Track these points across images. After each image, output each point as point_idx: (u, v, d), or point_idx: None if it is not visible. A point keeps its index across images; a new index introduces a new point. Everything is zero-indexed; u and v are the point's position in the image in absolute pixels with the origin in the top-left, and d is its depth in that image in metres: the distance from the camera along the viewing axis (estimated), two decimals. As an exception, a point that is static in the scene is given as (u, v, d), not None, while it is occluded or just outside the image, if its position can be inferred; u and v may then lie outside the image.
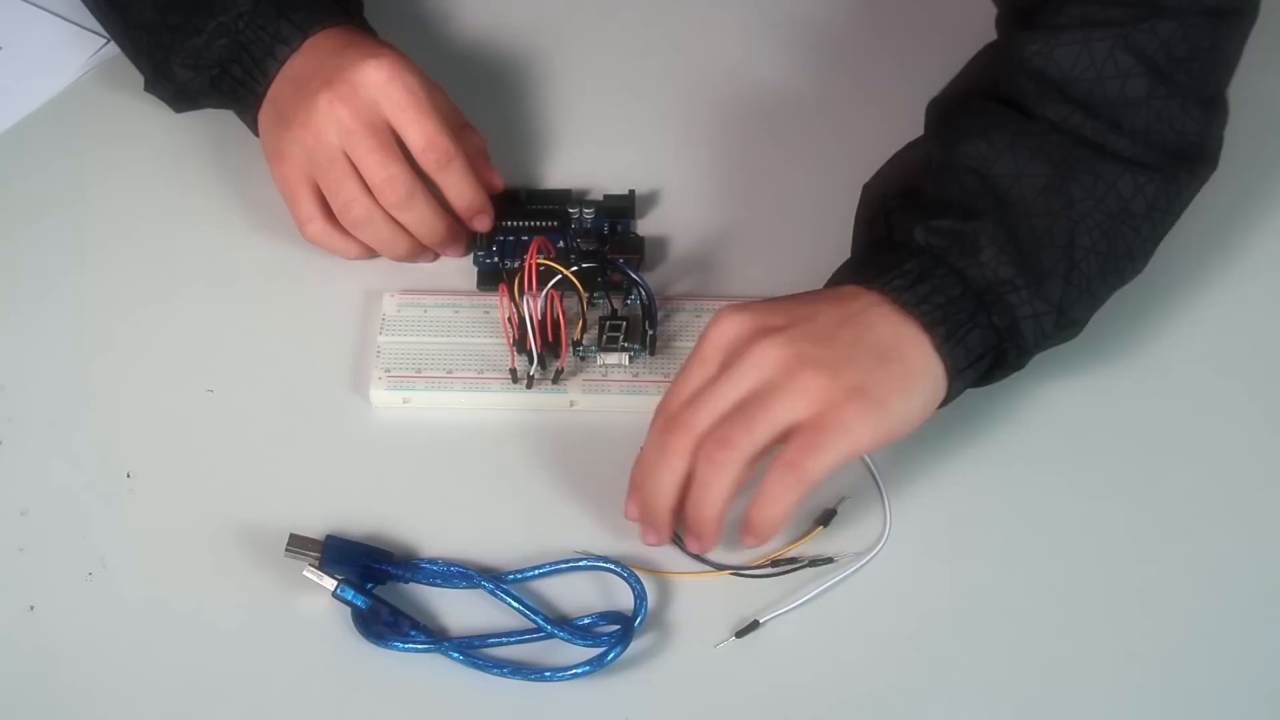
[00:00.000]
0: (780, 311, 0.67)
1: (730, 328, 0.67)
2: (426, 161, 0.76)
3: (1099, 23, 0.70)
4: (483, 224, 0.80)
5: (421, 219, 0.77)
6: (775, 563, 0.69)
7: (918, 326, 0.67)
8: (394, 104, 0.75)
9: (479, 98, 0.86)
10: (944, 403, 0.69)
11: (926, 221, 0.69)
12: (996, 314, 0.68)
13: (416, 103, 0.76)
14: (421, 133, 0.76)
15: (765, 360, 0.65)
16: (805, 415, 0.64)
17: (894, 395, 0.66)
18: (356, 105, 0.75)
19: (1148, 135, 0.70)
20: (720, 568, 0.69)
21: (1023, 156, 0.69)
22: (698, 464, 0.65)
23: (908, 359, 0.67)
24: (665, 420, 0.66)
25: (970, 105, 0.73)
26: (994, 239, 0.68)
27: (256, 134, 0.80)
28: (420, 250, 0.79)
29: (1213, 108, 0.73)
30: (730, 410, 0.65)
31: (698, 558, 0.69)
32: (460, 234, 0.80)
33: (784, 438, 0.65)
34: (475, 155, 0.79)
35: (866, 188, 0.75)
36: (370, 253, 0.79)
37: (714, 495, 0.65)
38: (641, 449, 0.68)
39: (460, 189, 0.78)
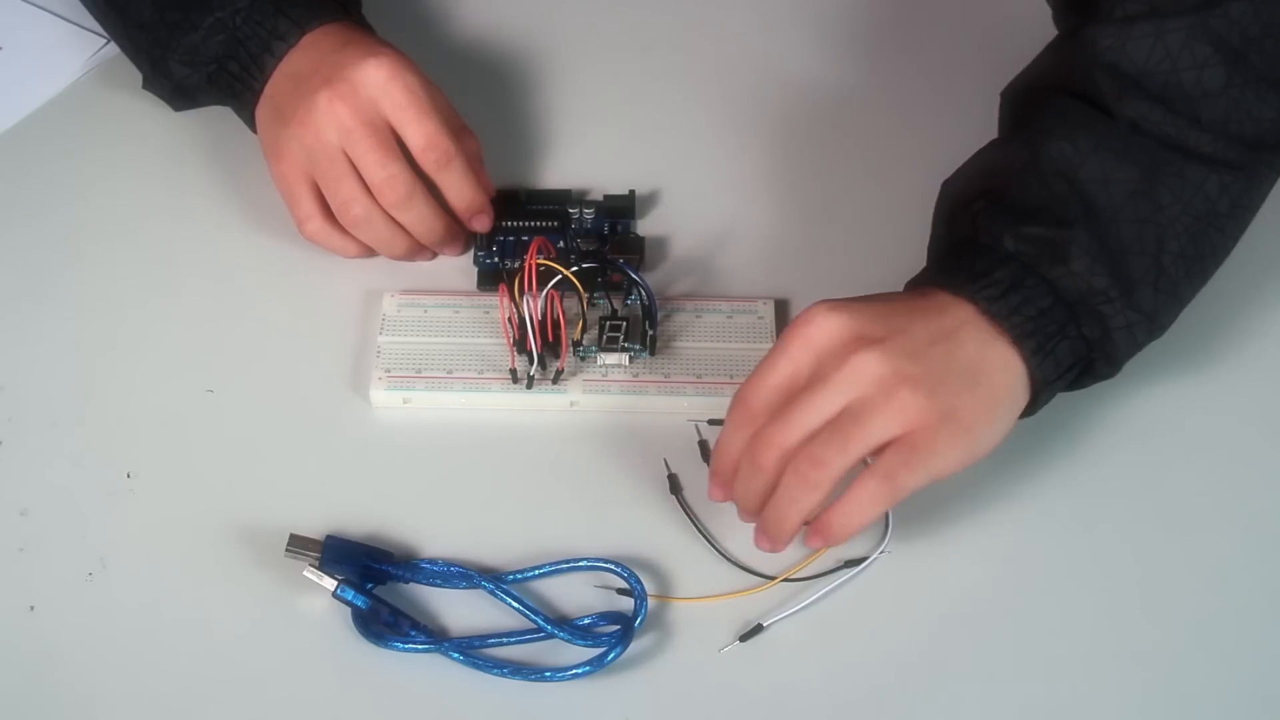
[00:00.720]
0: (877, 320, 0.65)
1: (825, 329, 0.65)
2: (426, 161, 0.76)
3: (1171, 12, 0.68)
4: (482, 224, 0.80)
5: (420, 218, 0.77)
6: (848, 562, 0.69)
7: (1007, 342, 0.66)
8: (394, 103, 0.75)
9: (479, 97, 0.86)
10: (1028, 413, 0.68)
11: (1016, 228, 0.68)
12: (1087, 325, 0.67)
13: (417, 102, 0.75)
14: (422, 132, 0.76)
15: (863, 376, 0.64)
16: (899, 434, 0.64)
17: (981, 422, 0.65)
18: (356, 104, 0.75)
19: (1227, 127, 0.69)
20: (768, 577, 0.69)
21: (1109, 161, 0.68)
22: (788, 477, 0.64)
23: (996, 384, 0.66)
24: (755, 434, 0.65)
25: (1051, 103, 0.71)
26: (1086, 249, 0.67)
27: (255, 130, 0.80)
28: (419, 249, 0.79)
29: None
30: (822, 427, 0.64)
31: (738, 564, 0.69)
32: (459, 233, 0.80)
33: (874, 452, 0.64)
34: (471, 159, 0.79)
35: (946, 185, 0.73)
36: (369, 251, 0.79)
37: (800, 510, 0.64)
38: (720, 438, 0.67)
39: (459, 189, 0.78)
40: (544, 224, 0.81)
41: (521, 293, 0.73)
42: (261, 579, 0.69)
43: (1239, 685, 0.67)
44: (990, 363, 0.66)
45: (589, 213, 0.81)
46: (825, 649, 0.68)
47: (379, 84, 0.75)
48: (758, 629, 0.68)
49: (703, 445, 0.73)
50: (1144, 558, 0.71)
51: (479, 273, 0.80)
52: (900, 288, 0.71)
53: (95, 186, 0.84)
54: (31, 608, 0.69)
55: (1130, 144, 0.69)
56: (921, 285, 0.69)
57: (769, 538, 0.66)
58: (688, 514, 0.71)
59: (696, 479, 0.72)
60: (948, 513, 0.72)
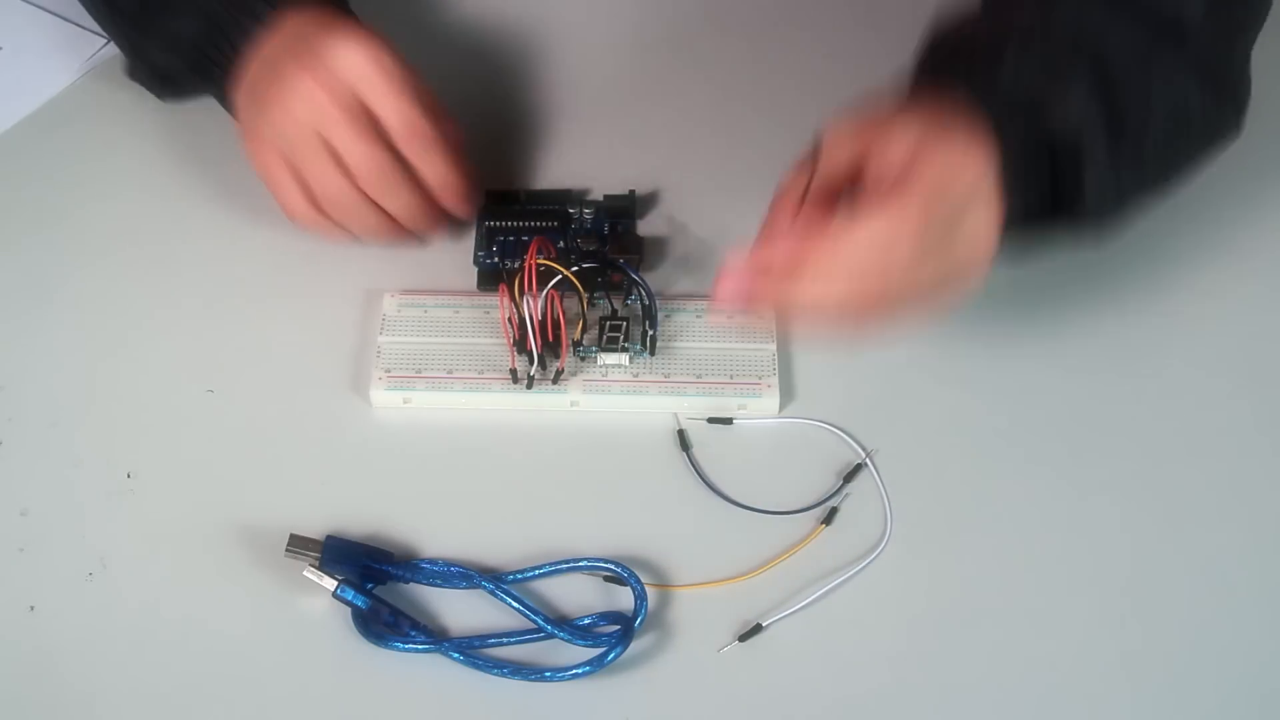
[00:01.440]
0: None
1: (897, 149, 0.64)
2: (402, 143, 0.75)
3: None
4: (462, 210, 0.79)
5: (401, 202, 0.77)
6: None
7: (994, 138, 0.64)
8: (370, 85, 0.74)
9: (478, 97, 0.86)
10: (1003, 232, 0.66)
11: (1021, 51, 0.67)
12: (1061, 161, 0.66)
13: (393, 83, 0.74)
14: (398, 113, 0.74)
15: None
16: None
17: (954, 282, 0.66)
18: (332, 86, 0.74)
19: (1212, 49, 0.69)
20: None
21: (1122, 24, 0.67)
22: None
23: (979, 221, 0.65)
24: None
25: None
26: (1088, 85, 0.66)
27: (230, 109, 0.79)
28: (401, 233, 0.79)
29: (1244, 66, 0.72)
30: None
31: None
32: (441, 216, 0.79)
33: None
34: (451, 144, 0.78)
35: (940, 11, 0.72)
36: (356, 237, 0.79)
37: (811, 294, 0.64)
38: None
39: (436, 171, 0.77)
40: (544, 224, 0.81)
41: (521, 293, 0.73)
42: (261, 579, 0.69)
43: (1238, 685, 0.67)
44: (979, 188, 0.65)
45: (589, 213, 0.81)
46: (825, 649, 0.68)
47: (354, 65, 0.74)
48: (757, 629, 0.68)
49: (681, 434, 0.74)
50: (1145, 558, 0.71)
51: (479, 273, 0.80)
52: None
53: (95, 187, 0.84)
54: (31, 608, 0.69)
55: (1137, 19, 0.67)
56: (940, 85, 0.67)
57: (748, 291, 0.66)
58: (696, 471, 0.72)
59: (700, 462, 0.72)
60: (948, 513, 0.72)
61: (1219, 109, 0.70)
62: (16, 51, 0.90)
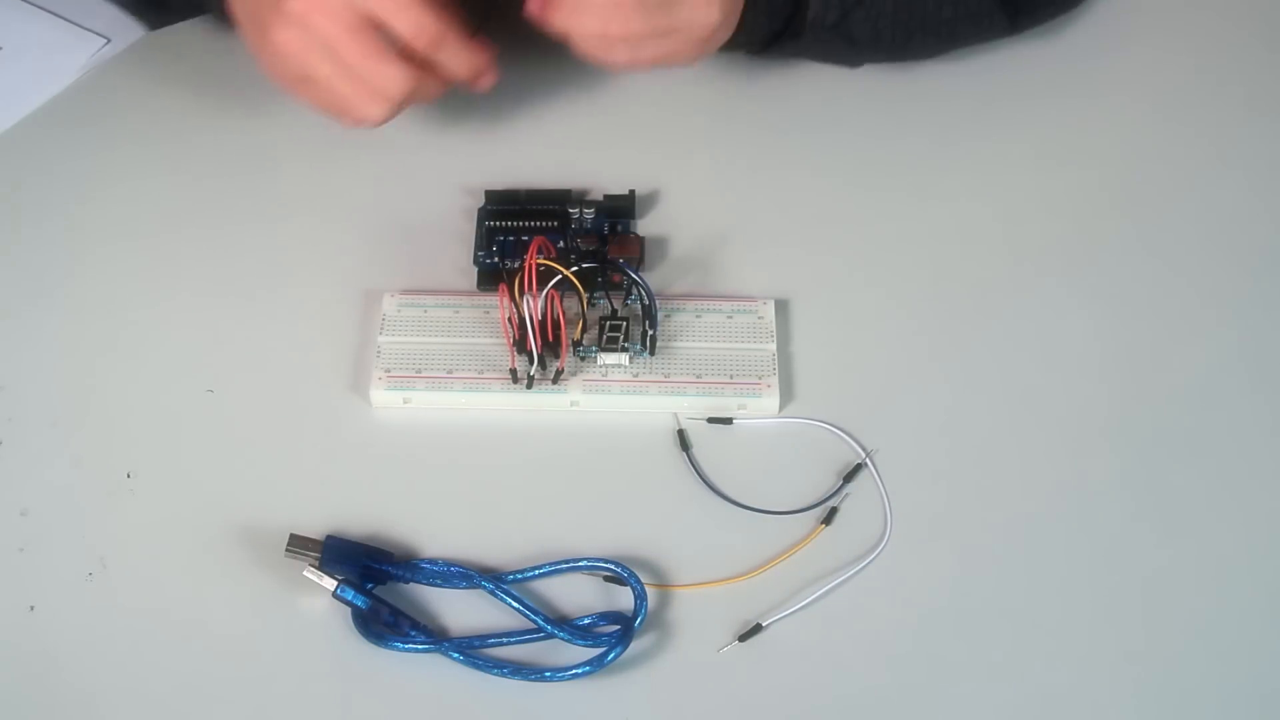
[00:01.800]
0: None
1: None
2: (419, 46, 0.73)
3: None
4: (487, 82, 0.77)
5: (455, 54, 0.74)
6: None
7: None
8: None
9: (479, 97, 0.86)
10: (737, 33, 0.78)
11: None
12: None
13: None
14: (408, 18, 0.72)
15: None
16: None
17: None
18: (330, 7, 0.71)
19: None
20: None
21: None
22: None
23: None
24: None
25: None
26: None
27: (228, 23, 0.76)
28: (462, 83, 0.76)
29: None
30: None
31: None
32: (489, 65, 0.76)
33: None
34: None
35: None
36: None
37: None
38: None
39: (458, 62, 0.75)
40: (544, 224, 0.81)
41: (521, 293, 0.73)
42: (261, 579, 0.69)
43: (1238, 685, 0.67)
44: None
45: (589, 213, 0.81)
46: (824, 649, 0.68)
47: None
48: (757, 629, 0.68)
49: (681, 434, 0.74)
50: (1144, 557, 0.70)
51: (479, 273, 0.80)
52: (898, 289, 0.70)
53: (95, 186, 0.84)
54: (31, 608, 0.69)
55: None
56: None
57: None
58: (696, 471, 0.72)
59: (700, 462, 0.72)
60: (948, 513, 0.72)
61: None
62: (16, 51, 0.90)
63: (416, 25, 0.72)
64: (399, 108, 0.74)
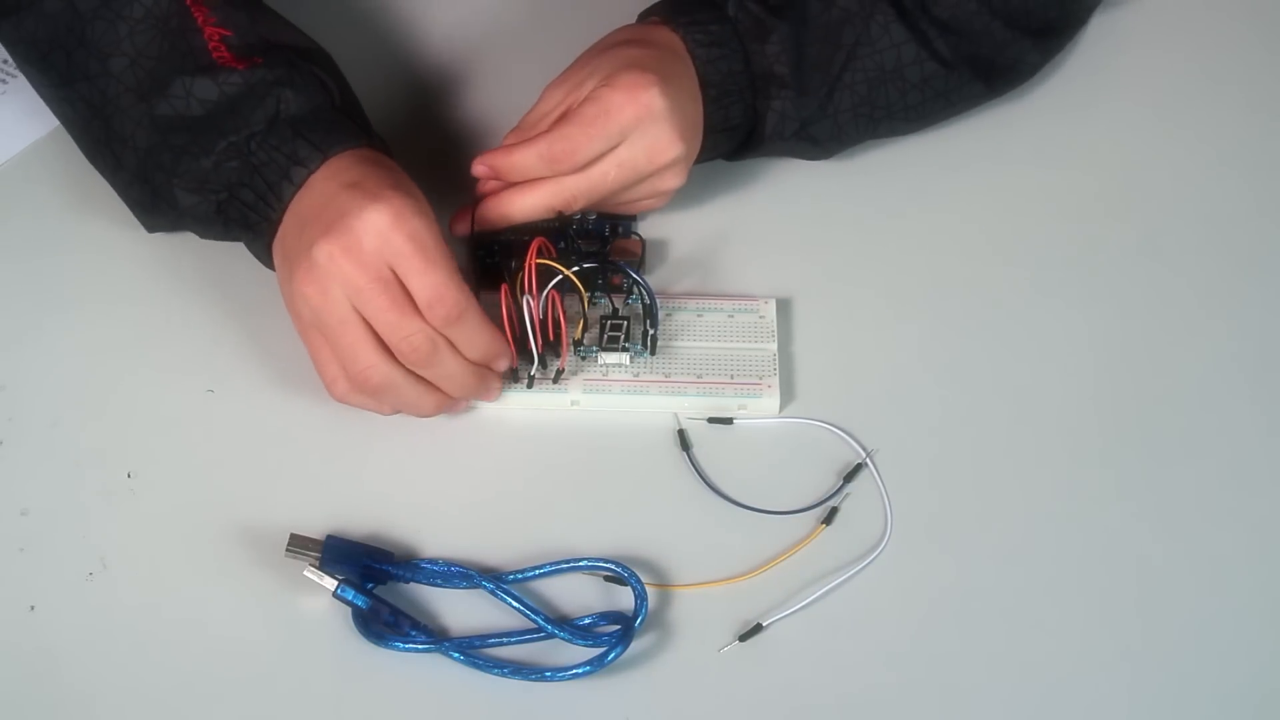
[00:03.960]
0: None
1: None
2: (434, 317, 0.69)
3: None
4: (503, 364, 0.73)
5: (448, 374, 0.71)
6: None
7: (697, 82, 0.77)
8: (396, 253, 0.68)
9: (479, 98, 0.86)
10: (699, 158, 0.78)
11: (742, 0, 0.78)
12: (760, 99, 0.79)
13: (422, 251, 0.68)
14: (429, 285, 0.68)
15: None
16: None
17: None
18: (360, 257, 0.68)
19: (948, 23, 0.79)
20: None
21: None
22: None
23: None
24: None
25: None
26: (783, 39, 0.78)
27: (270, 266, 0.74)
28: (451, 404, 0.73)
29: (1042, 38, 0.83)
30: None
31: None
32: (492, 377, 0.74)
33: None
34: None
35: None
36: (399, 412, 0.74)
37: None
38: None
39: (473, 342, 0.71)
40: (544, 224, 0.80)
41: (522, 293, 0.73)
42: (261, 579, 0.69)
43: (1237, 684, 0.67)
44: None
45: (590, 214, 0.81)
46: (825, 649, 0.68)
47: (381, 232, 0.68)
48: (757, 629, 0.68)
49: (681, 434, 0.74)
50: (1144, 557, 0.71)
51: (479, 273, 0.80)
52: (899, 289, 0.70)
53: (96, 186, 0.84)
54: (31, 608, 0.69)
55: None
56: (650, 15, 0.80)
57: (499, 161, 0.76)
58: (697, 471, 0.72)
59: (700, 462, 0.72)
60: (948, 513, 0.72)
61: (952, 69, 0.81)
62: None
63: (436, 293, 0.69)
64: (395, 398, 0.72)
